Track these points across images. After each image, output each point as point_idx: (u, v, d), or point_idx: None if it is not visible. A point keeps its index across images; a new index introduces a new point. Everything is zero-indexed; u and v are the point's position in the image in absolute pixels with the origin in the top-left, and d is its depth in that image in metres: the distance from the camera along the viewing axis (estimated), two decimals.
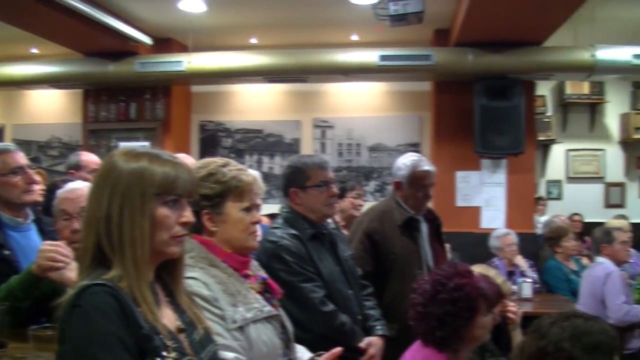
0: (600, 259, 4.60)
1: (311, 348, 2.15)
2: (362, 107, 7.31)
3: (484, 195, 6.28)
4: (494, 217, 6.23)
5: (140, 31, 6.30)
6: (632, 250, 5.51)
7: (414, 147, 7.10)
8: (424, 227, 3.44)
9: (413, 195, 3.37)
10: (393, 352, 2.66)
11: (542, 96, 8.07)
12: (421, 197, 3.38)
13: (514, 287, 5.01)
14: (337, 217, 4.00)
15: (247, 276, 1.98)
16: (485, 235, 5.61)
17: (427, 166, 3.41)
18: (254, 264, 2.12)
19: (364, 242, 3.31)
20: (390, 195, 3.54)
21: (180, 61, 6.39)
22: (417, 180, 3.36)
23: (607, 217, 6.84)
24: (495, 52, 5.78)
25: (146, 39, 6.43)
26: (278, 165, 7.20)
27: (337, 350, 1.93)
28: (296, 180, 2.83)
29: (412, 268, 3.16)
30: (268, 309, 1.95)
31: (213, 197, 1.93)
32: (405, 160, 3.44)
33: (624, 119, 8.22)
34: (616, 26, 6.17)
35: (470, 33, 5.54)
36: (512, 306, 2.83)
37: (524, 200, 6.32)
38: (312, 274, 2.69)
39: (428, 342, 2.23)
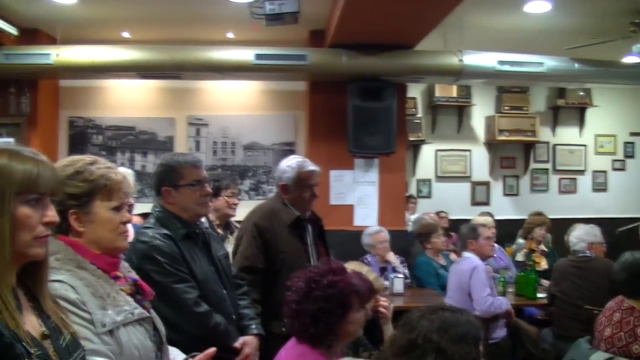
0: (466, 254, 4.79)
1: (185, 350, 2.10)
2: (238, 106, 7.26)
3: (357, 193, 6.41)
4: (366, 215, 6.37)
5: (5, 20, 5.94)
6: (496, 245, 5.80)
7: (289, 146, 7.16)
8: (309, 227, 3.50)
9: (300, 196, 3.43)
10: None
11: (413, 98, 8.34)
12: (308, 197, 3.45)
13: (386, 283, 5.15)
14: (212, 216, 3.96)
15: (116, 278, 1.91)
16: (358, 233, 5.73)
17: (311, 166, 3.47)
18: (124, 265, 2.04)
19: (256, 240, 3.32)
20: (276, 197, 3.56)
21: (48, 54, 6.07)
22: (303, 181, 3.41)
23: (473, 214, 7.17)
24: (369, 55, 5.90)
25: (11, 29, 6.05)
26: (151, 163, 7.01)
27: (211, 350, 1.90)
28: (168, 179, 2.76)
29: (300, 267, 3.18)
30: (139, 311, 1.89)
31: (80, 196, 1.84)
32: (290, 163, 3.48)
33: (489, 121, 8.66)
34: (483, 33, 6.47)
35: (345, 35, 5.63)
36: (383, 301, 2.90)
37: (395, 198, 6.50)
38: (185, 275, 2.64)
39: (302, 338, 2.25)
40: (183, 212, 2.76)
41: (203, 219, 3.00)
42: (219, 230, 4.02)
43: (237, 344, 2.74)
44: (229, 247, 3.65)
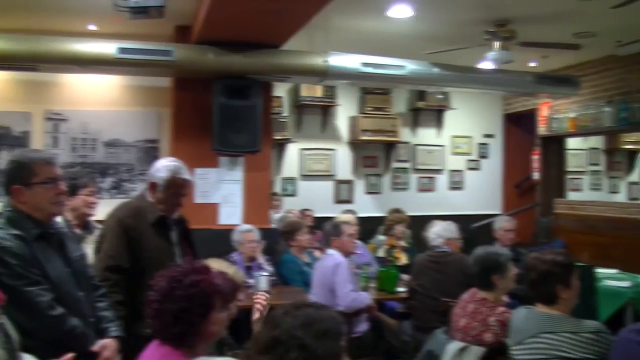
0: (330, 251, 4.88)
1: (40, 355, 2.01)
2: (99, 101, 6.96)
3: (222, 192, 6.36)
4: (231, 214, 6.34)
5: None
6: (359, 242, 5.95)
7: (153, 143, 6.98)
8: (174, 227, 3.45)
9: (166, 200, 3.37)
10: None
11: (279, 97, 8.38)
12: (174, 203, 3.39)
13: (251, 281, 5.15)
14: (69, 216, 3.80)
15: None
16: (223, 231, 5.69)
17: (187, 176, 3.42)
18: None
19: (121, 238, 3.24)
20: (142, 195, 3.48)
21: None
22: (174, 187, 3.36)
23: (337, 212, 7.30)
24: (236, 52, 5.86)
25: None
26: (4, 160, 6.60)
27: (69, 356, 1.83)
28: (20, 177, 2.61)
29: (165, 267, 3.11)
30: None
31: None
32: (167, 164, 3.41)
33: (353, 121, 8.87)
34: (348, 35, 6.60)
35: (212, 32, 5.57)
36: (260, 299, 2.91)
37: (260, 196, 6.51)
38: (37, 277, 2.51)
39: (165, 339, 2.20)
40: (36, 212, 2.62)
41: (59, 219, 2.87)
42: (77, 230, 3.86)
43: (95, 348, 2.65)
44: (88, 247, 3.51)
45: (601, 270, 6.01)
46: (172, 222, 3.44)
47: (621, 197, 9.40)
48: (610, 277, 5.93)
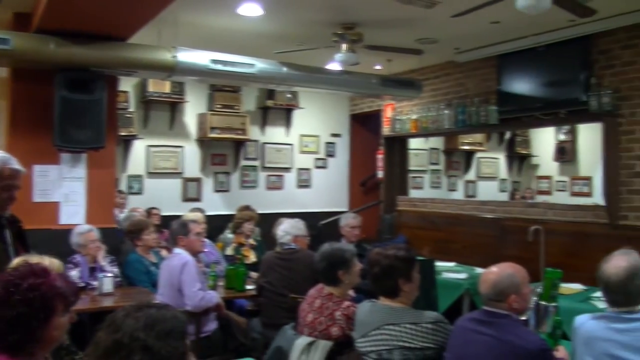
0: (177, 250, 4.79)
1: None
2: None
3: (64, 190, 6.05)
4: (74, 213, 6.05)
5: None
6: (207, 241, 5.88)
7: None
8: (7, 226, 3.23)
9: None
10: None
11: (125, 92, 8.12)
12: (5, 198, 3.14)
13: (95, 283, 4.95)
14: None
15: None
16: (64, 232, 5.42)
17: (16, 165, 3.14)
18: None
19: None
20: None
21: None
22: (4, 179, 3.09)
23: (185, 210, 7.19)
24: (79, 44, 5.58)
25: None
26: None
27: None
28: None
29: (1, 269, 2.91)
30: None
31: None
32: None
33: (201, 118, 8.76)
34: (198, 31, 6.51)
35: (53, 21, 5.26)
36: None
37: (104, 195, 6.25)
38: None
39: (1, 348, 2.05)
40: None
41: None
42: None
43: None
44: None
45: (440, 264, 6.34)
46: (5, 220, 3.21)
47: (459, 194, 9.95)
48: (448, 270, 6.27)
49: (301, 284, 4.49)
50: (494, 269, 2.94)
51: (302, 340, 3.45)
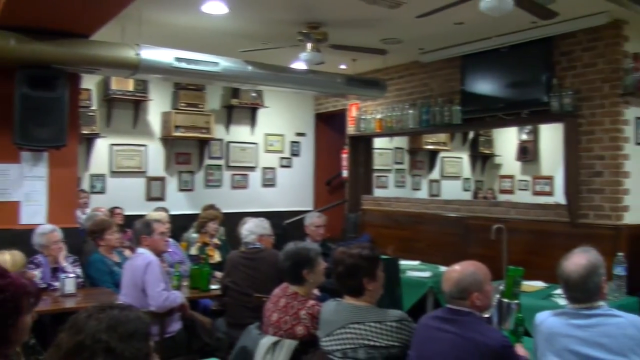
0: (140, 250, 4.74)
1: None
2: None
3: (24, 189, 5.94)
4: (35, 212, 5.94)
5: None
6: (171, 240, 5.84)
7: None
8: None
9: None
10: None
11: (88, 90, 8.01)
12: None
13: (57, 284, 4.88)
14: None
15: None
16: (25, 232, 5.33)
17: None
18: None
19: None
20: None
21: None
22: None
23: (149, 210, 7.12)
24: (40, 40, 5.48)
25: None
26: None
27: None
28: None
29: None
30: None
31: None
32: None
33: (165, 117, 8.69)
34: (162, 29, 6.45)
35: (14, 16, 5.14)
36: None
37: (66, 194, 6.15)
38: None
39: None
40: None
41: None
42: None
43: None
44: None
45: (405, 262, 6.39)
46: None
47: (423, 193, 10.01)
48: (412, 269, 6.33)
49: (266, 283, 4.48)
50: (456, 267, 2.97)
51: (267, 340, 3.44)
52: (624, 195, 6.01)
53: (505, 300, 3.74)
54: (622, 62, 6.02)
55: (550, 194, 9.38)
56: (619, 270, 5.14)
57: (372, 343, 3.00)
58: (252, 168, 9.67)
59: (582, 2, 5.23)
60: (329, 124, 10.31)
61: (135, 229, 4.88)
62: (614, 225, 5.97)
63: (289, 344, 3.38)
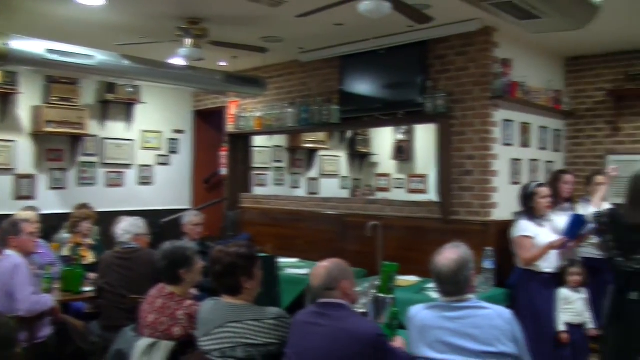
0: (7, 252, 4.52)
1: None
2: None
3: None
4: None
5: None
6: (41, 241, 5.59)
7: None
8: None
9: None
10: None
11: None
12: None
13: None
14: None
15: None
16: None
17: None
18: None
19: None
20: None
21: None
22: None
23: (17, 209, 6.77)
24: None
25: None
26: None
27: None
28: None
29: None
30: None
31: None
32: None
33: (36, 111, 8.29)
34: (33, 19, 6.15)
35: None
36: None
37: None
38: None
39: None
40: None
41: None
42: None
43: None
44: None
45: (283, 260, 6.45)
46: None
47: (301, 191, 10.10)
48: (291, 266, 6.39)
49: (142, 283, 4.38)
50: (322, 263, 3.11)
51: (143, 342, 3.37)
52: (492, 193, 6.32)
53: (381, 295, 3.86)
54: (491, 67, 6.32)
55: (424, 191, 9.70)
56: (487, 264, 5.42)
57: (250, 341, 3.01)
58: (128, 165, 9.41)
59: (455, 9, 5.43)
60: (208, 122, 10.21)
61: (1, 229, 4.63)
62: (483, 222, 6.27)
63: (165, 346, 3.33)
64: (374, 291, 3.93)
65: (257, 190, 9.26)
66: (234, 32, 6.61)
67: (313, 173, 10.38)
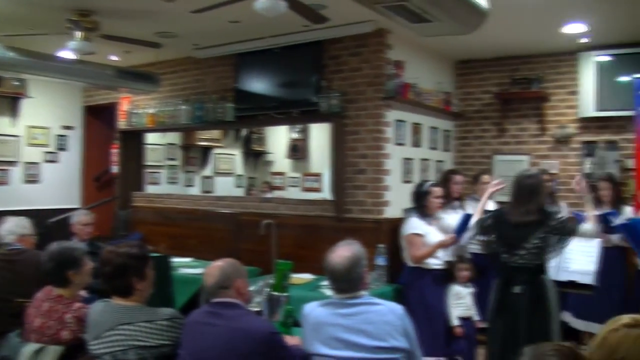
0: None
1: None
2: None
3: None
4: None
5: None
6: None
7: None
8: None
9: None
10: None
11: None
12: None
13: None
14: None
15: None
16: None
17: None
18: None
19: None
20: None
21: None
22: None
23: None
24: None
25: None
26: None
27: None
28: None
29: None
30: None
31: None
32: None
33: None
34: None
35: None
36: None
37: None
38: None
39: None
40: None
41: None
42: None
43: None
44: None
45: (177, 260, 6.35)
46: None
47: (196, 190, 9.97)
48: (185, 266, 6.30)
49: (27, 286, 4.18)
50: (216, 263, 3.09)
51: (29, 348, 3.23)
52: (384, 191, 6.47)
53: (275, 293, 3.87)
54: (384, 68, 6.47)
55: (319, 190, 9.80)
56: (380, 261, 5.55)
57: (142, 343, 2.94)
58: (12, 163, 8.98)
59: (350, 10, 5.51)
60: (98, 118, 9.90)
61: None
62: (376, 219, 6.41)
63: (54, 351, 3.21)
64: (269, 289, 3.94)
65: (150, 189, 9.08)
66: (127, 26, 6.44)
67: (207, 171, 10.27)
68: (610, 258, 5.21)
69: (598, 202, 5.88)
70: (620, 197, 6.09)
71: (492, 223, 4.56)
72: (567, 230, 4.36)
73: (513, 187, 4.51)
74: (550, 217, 4.37)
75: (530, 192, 4.41)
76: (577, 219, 4.92)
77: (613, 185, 5.98)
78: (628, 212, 5.81)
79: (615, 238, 5.17)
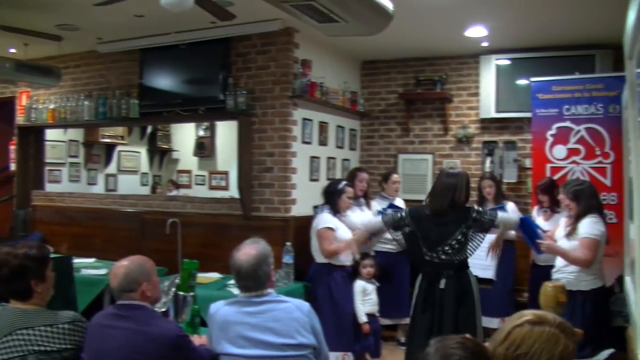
0: None
1: None
2: None
3: None
4: None
5: None
6: None
7: None
8: None
9: None
10: None
11: None
12: None
13: None
14: None
15: None
16: None
17: None
18: None
19: None
20: None
21: None
22: None
23: None
24: None
25: None
26: None
27: None
28: None
29: None
30: None
31: None
32: None
33: None
34: None
35: None
36: None
37: None
38: None
39: None
40: None
41: None
42: None
43: None
44: None
45: (79, 260, 6.17)
46: None
47: (99, 188, 9.70)
48: (88, 266, 6.13)
49: None
50: (123, 262, 3.02)
51: None
52: (291, 189, 6.50)
53: (181, 293, 3.82)
54: (292, 66, 6.50)
55: (226, 188, 9.74)
56: (287, 259, 5.58)
57: (42, 348, 2.84)
58: None
59: (258, 8, 5.49)
60: None
61: None
62: (283, 217, 6.44)
63: None
64: (175, 289, 3.89)
65: (51, 187, 8.76)
66: (26, 16, 6.19)
67: (111, 169, 10.01)
68: (503, 251, 5.42)
69: (482, 200, 6.21)
70: (502, 193, 6.48)
71: (411, 221, 4.64)
72: (485, 224, 4.50)
73: (434, 183, 4.72)
74: (469, 213, 4.50)
75: (444, 189, 4.53)
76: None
77: (495, 183, 6.34)
78: (511, 207, 6.09)
79: (512, 233, 5.39)
